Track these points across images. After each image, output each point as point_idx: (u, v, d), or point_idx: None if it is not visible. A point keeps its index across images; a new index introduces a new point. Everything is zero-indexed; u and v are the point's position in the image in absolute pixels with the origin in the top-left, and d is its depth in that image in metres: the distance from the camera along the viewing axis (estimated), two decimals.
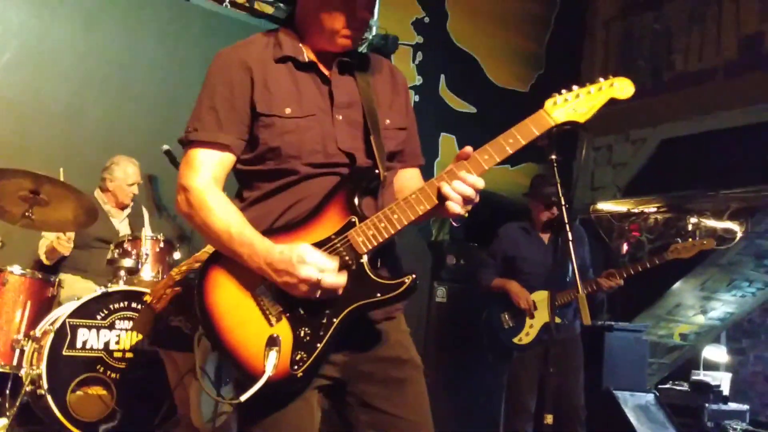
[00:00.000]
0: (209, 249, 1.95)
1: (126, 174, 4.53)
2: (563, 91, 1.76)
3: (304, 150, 1.74)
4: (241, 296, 1.69)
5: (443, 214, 1.74)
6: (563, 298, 4.17)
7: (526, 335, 4.29)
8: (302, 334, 1.65)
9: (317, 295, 1.61)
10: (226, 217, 1.69)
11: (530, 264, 4.40)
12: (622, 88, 1.79)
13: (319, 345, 1.64)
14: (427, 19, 6.91)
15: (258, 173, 1.79)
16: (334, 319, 1.65)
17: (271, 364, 1.59)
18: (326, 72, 1.82)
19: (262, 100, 1.75)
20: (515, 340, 4.32)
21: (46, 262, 4.25)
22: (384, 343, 1.80)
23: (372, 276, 1.67)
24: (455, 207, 1.67)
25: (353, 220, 1.69)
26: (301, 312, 1.66)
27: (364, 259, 1.67)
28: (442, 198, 1.68)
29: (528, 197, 4.63)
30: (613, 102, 1.79)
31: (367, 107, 1.81)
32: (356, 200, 1.71)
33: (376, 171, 1.75)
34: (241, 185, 1.85)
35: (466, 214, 1.71)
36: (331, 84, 1.81)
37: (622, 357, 5.58)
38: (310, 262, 1.58)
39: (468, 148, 1.71)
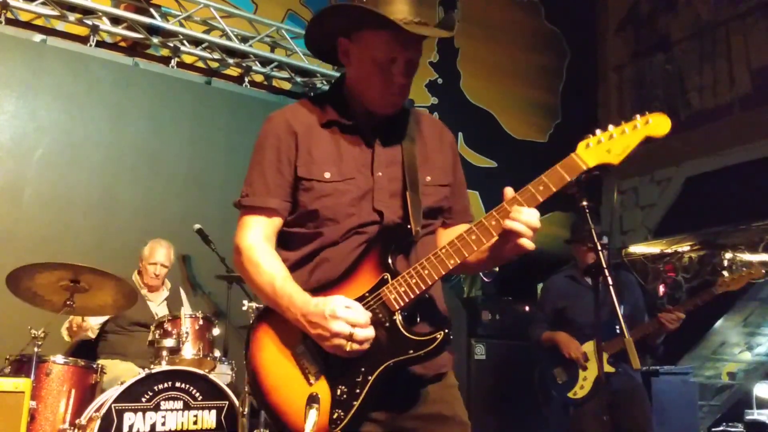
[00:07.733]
0: None
1: (150, 252, 4.61)
2: (598, 131, 1.69)
3: (340, 213, 1.79)
4: (283, 356, 1.74)
5: (484, 265, 1.77)
6: (614, 346, 3.96)
7: (581, 388, 4.10)
8: (339, 392, 1.67)
9: (348, 350, 1.62)
10: (272, 271, 1.76)
11: (580, 313, 4.21)
12: (658, 124, 1.68)
13: (355, 403, 1.66)
14: (440, 81, 7.07)
15: (298, 236, 1.85)
16: (369, 377, 1.66)
17: (310, 423, 1.61)
18: (370, 134, 1.86)
19: (304, 165, 1.81)
20: (570, 394, 4.14)
21: (66, 338, 4.32)
22: (425, 401, 1.79)
23: (405, 333, 1.67)
24: (526, 242, 1.67)
25: (386, 277, 1.70)
26: (338, 371, 1.68)
27: (397, 316, 1.68)
28: (504, 233, 1.67)
29: (571, 243, 4.50)
30: (648, 140, 1.69)
31: (407, 165, 1.84)
32: (389, 257, 1.73)
33: (408, 227, 1.76)
34: (279, 245, 1.89)
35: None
36: (375, 145, 1.85)
37: (670, 402, 5.41)
38: (341, 317, 1.61)
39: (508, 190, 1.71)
